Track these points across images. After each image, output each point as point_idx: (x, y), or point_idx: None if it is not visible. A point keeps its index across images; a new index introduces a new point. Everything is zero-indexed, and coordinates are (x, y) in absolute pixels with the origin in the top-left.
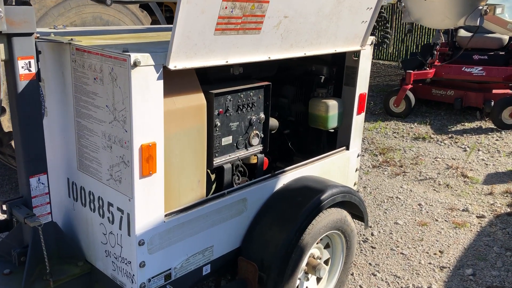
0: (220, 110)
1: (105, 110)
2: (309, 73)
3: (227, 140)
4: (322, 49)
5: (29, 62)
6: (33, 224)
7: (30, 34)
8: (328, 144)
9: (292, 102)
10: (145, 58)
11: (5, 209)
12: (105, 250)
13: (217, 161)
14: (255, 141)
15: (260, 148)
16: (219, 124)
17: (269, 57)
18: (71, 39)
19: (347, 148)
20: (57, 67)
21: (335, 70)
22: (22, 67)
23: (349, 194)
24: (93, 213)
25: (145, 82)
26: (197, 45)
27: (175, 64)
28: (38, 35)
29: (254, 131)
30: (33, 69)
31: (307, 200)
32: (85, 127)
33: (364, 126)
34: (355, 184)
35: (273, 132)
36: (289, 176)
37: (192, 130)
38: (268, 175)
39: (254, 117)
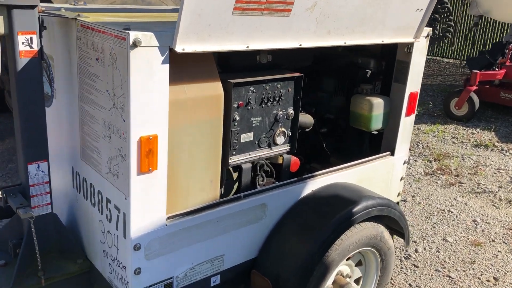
0: (240, 102)
1: (105, 95)
2: (353, 65)
3: (247, 137)
4: (367, 39)
5: (31, 38)
6: (24, 216)
7: (32, 7)
8: (371, 148)
9: (331, 97)
10: (147, 38)
11: (1, 196)
12: (103, 250)
13: (234, 159)
14: (280, 139)
15: (286, 148)
16: (238, 118)
17: (300, 44)
18: (78, 15)
19: (392, 154)
20: (64, 45)
21: (384, 65)
22: (23, 43)
23: (388, 207)
24: (93, 208)
25: (147, 66)
26: (211, 25)
27: (183, 46)
28: (43, 8)
29: (281, 129)
30: (35, 46)
31: (337, 211)
32: (87, 113)
33: (419, 129)
34: (399, 195)
35: (307, 130)
36: (319, 182)
37: (205, 123)
38: (293, 179)
39: (281, 112)
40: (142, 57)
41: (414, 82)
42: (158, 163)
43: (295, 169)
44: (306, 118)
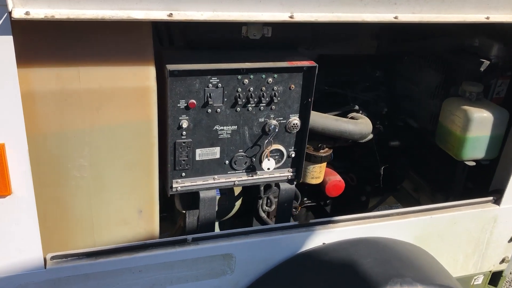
0: (191, 101)
1: None
2: (462, 50)
3: (207, 154)
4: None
5: None
6: None
7: None
8: (466, 183)
9: (418, 96)
10: None
11: None
12: None
13: (183, 184)
14: (269, 163)
15: (287, 175)
16: (188, 125)
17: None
18: None
19: (497, 201)
20: None
21: None
22: None
23: None
24: None
25: None
26: None
27: (27, 8)
28: None
29: (273, 146)
30: None
31: None
32: None
33: None
34: (503, 261)
35: (362, 141)
36: (345, 230)
37: (121, 128)
38: (291, 224)
39: (274, 121)
40: None
41: None
42: (12, 186)
43: (335, 193)
44: (360, 124)
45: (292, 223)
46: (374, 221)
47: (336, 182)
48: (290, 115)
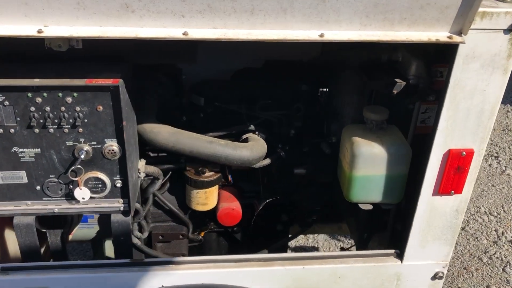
0: None
1: None
2: (376, 65)
3: (11, 177)
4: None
5: None
6: None
7: None
8: (395, 225)
9: (337, 117)
10: None
11: None
12: None
13: None
14: (83, 193)
15: (118, 206)
16: None
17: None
18: None
19: (400, 255)
20: None
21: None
22: None
23: None
24: None
25: None
26: None
27: None
28: None
29: (89, 173)
30: None
31: None
32: None
33: None
34: None
35: (257, 167)
36: (182, 276)
37: None
38: (111, 262)
39: (85, 146)
40: None
41: (462, 131)
42: None
43: (229, 223)
44: (237, 150)
45: (121, 260)
46: (231, 266)
47: (228, 210)
48: (105, 140)
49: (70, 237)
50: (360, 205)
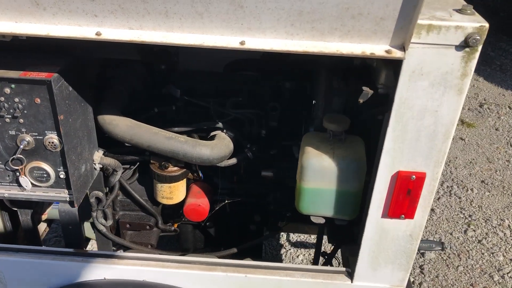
0: None
1: None
2: (349, 71)
3: None
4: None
5: None
6: None
7: None
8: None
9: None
10: None
11: None
12: None
13: None
14: (25, 181)
15: (65, 196)
16: None
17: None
18: None
19: (350, 274)
20: None
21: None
22: None
23: None
24: None
25: None
26: None
27: None
28: None
29: (33, 163)
30: None
31: None
32: None
33: None
34: None
35: (222, 166)
36: (123, 270)
37: None
38: (58, 250)
39: (26, 136)
40: None
41: (412, 153)
42: None
43: (195, 218)
44: (196, 147)
45: (66, 249)
46: (172, 266)
47: (194, 206)
48: (46, 132)
49: (44, 216)
50: (312, 218)
